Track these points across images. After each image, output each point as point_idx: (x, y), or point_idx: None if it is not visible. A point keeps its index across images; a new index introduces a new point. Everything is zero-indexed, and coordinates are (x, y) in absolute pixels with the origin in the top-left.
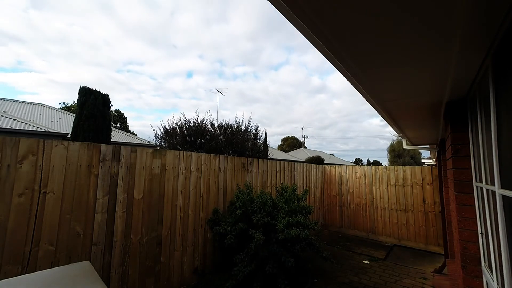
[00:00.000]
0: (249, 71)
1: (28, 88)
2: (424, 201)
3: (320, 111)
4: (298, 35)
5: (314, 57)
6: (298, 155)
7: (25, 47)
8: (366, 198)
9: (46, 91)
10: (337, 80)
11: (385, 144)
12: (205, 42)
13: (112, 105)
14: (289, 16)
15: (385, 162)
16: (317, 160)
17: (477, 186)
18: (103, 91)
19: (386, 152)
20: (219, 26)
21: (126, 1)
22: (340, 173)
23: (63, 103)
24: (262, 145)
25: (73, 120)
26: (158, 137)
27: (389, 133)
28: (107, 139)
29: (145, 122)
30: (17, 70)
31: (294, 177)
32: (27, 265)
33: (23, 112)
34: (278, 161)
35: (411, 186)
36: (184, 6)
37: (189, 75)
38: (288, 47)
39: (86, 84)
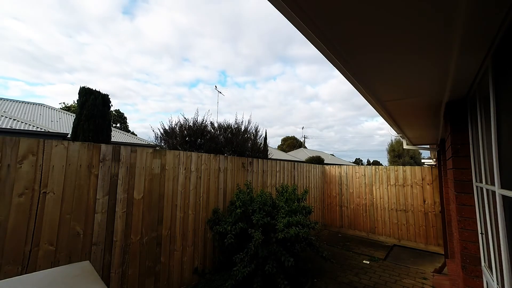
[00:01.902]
0: (250, 80)
1: (48, 95)
2: (424, 201)
3: (316, 116)
4: (295, 56)
5: (306, 69)
6: (298, 155)
7: (62, 64)
8: (366, 198)
9: (64, 99)
10: (326, 89)
11: (379, 144)
12: (215, 58)
13: (112, 105)
14: (289, 16)
15: (385, 162)
16: (317, 160)
17: (477, 186)
18: (119, 99)
19: (386, 152)
20: (230, 48)
21: (155, 27)
22: (340, 173)
23: (63, 103)
24: (262, 145)
25: (73, 120)
26: (158, 137)
27: (385, 134)
28: (107, 139)
29: (147, 124)
30: (48, 84)
31: (294, 177)
32: (27, 265)
33: (23, 112)
34: (278, 161)
35: (411, 186)
36: (203, 32)
37: (194, 84)
38: (285, 60)
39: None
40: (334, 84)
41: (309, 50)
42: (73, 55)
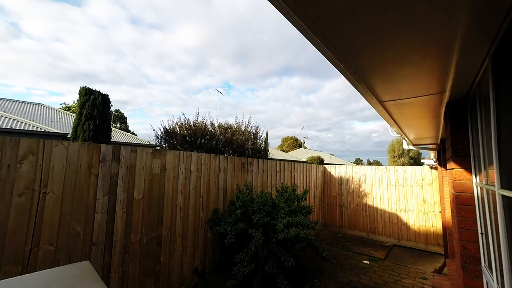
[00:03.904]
0: (251, 88)
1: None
2: (424, 201)
3: (314, 119)
4: (291, 69)
5: (299, 80)
6: (298, 155)
7: (91, 78)
8: (366, 198)
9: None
10: (317, 98)
11: (376, 145)
12: (224, 73)
13: (112, 105)
14: (289, 16)
15: (385, 162)
16: (317, 160)
17: (477, 186)
18: (131, 105)
19: (385, 153)
20: (239, 67)
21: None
22: (340, 173)
23: (64, 103)
24: (262, 145)
25: (73, 120)
26: (158, 137)
27: (380, 135)
28: (107, 139)
29: (150, 126)
30: (69, 93)
31: (294, 177)
32: (27, 265)
33: (23, 112)
34: (278, 161)
35: (411, 186)
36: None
37: (198, 92)
38: (282, 73)
39: (120, 101)
40: (324, 93)
41: (302, 64)
42: (103, 71)
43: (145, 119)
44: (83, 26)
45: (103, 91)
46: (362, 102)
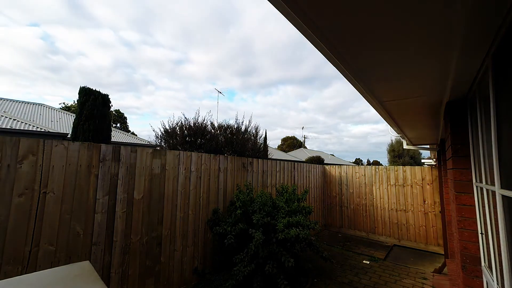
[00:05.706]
0: (252, 93)
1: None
2: (424, 201)
3: (310, 122)
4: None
5: (296, 88)
6: (298, 155)
7: (108, 88)
8: (366, 198)
9: None
10: (312, 104)
11: (375, 145)
12: (231, 82)
13: (112, 105)
14: (291, 17)
15: (384, 162)
16: (317, 160)
17: (477, 186)
18: (141, 109)
19: (384, 153)
20: (243, 79)
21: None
22: (340, 173)
23: (63, 103)
24: (262, 145)
25: (73, 120)
26: (158, 137)
27: (378, 136)
28: (107, 139)
29: (152, 126)
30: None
31: (294, 177)
32: (27, 265)
33: (23, 112)
34: (278, 161)
35: (411, 186)
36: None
37: (202, 98)
38: (283, 81)
39: (131, 108)
40: (320, 100)
41: (298, 77)
42: (119, 81)
43: (150, 120)
44: (110, 46)
45: (116, 97)
46: (352, 109)
